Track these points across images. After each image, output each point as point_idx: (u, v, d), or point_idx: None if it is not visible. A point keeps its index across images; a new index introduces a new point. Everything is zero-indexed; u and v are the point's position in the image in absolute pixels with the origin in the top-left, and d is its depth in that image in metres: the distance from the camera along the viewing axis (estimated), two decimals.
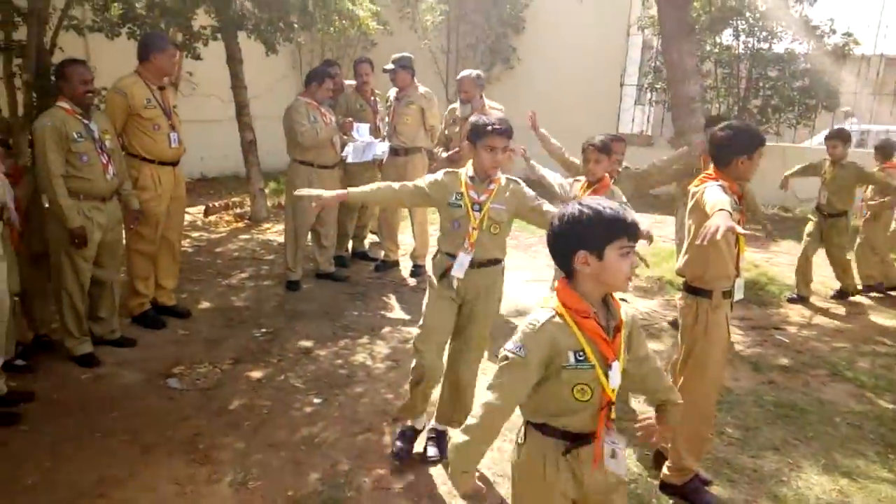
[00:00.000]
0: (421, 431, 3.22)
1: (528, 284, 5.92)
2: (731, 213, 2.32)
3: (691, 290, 2.82)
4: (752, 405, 3.79)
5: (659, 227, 8.38)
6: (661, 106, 11.49)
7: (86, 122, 3.81)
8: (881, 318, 5.54)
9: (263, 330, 4.61)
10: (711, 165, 2.84)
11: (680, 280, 2.95)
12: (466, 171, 2.90)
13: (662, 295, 5.83)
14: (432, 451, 3.14)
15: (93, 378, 3.79)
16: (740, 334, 4.97)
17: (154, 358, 4.07)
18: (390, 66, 5.68)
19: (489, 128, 2.78)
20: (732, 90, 10.38)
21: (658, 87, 10.96)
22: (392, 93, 5.83)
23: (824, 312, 5.63)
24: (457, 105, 5.49)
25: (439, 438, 3.17)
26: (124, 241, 4.36)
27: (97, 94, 4.55)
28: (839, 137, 5.80)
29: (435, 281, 2.95)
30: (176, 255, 4.75)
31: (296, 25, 6.45)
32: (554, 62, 11.44)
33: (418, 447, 3.19)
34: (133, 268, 4.47)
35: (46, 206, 3.94)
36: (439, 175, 2.94)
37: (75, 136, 3.73)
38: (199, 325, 4.64)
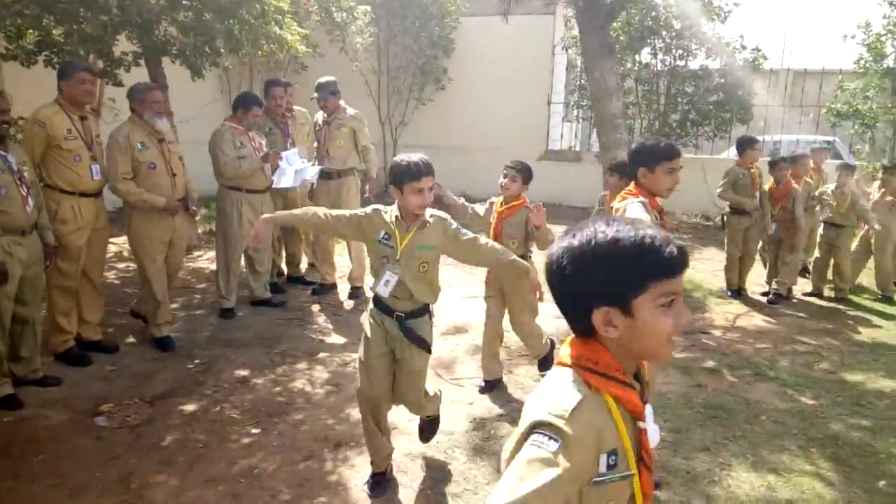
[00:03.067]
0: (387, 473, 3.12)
1: (466, 301, 5.99)
2: None
3: None
4: (683, 408, 3.94)
5: None
6: (587, 122, 11.88)
7: (2, 153, 3.66)
8: (801, 320, 5.87)
9: (197, 361, 4.49)
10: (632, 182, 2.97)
11: None
12: (392, 210, 2.85)
13: None
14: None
15: (15, 421, 3.60)
16: None
17: (80, 396, 3.90)
18: (315, 94, 5.69)
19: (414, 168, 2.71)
20: (653, 106, 10.84)
21: (584, 104, 11.35)
22: (319, 116, 5.82)
23: (746, 315, 5.92)
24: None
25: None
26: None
27: (14, 124, 4.38)
28: None
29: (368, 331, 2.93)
30: (99, 289, 4.57)
31: (222, 50, 6.37)
32: (483, 82, 11.69)
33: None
34: (54, 304, 4.28)
35: None
36: (369, 209, 2.89)
37: None
38: (128, 359, 4.47)
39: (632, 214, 2.64)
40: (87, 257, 4.35)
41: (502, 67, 11.52)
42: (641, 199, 2.78)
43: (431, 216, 2.84)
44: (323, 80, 5.69)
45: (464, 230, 2.90)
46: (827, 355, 4.92)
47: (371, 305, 2.95)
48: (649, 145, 2.93)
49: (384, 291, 2.81)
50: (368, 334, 2.92)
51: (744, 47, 10.65)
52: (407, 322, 2.86)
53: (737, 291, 6.46)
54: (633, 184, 2.93)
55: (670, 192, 2.90)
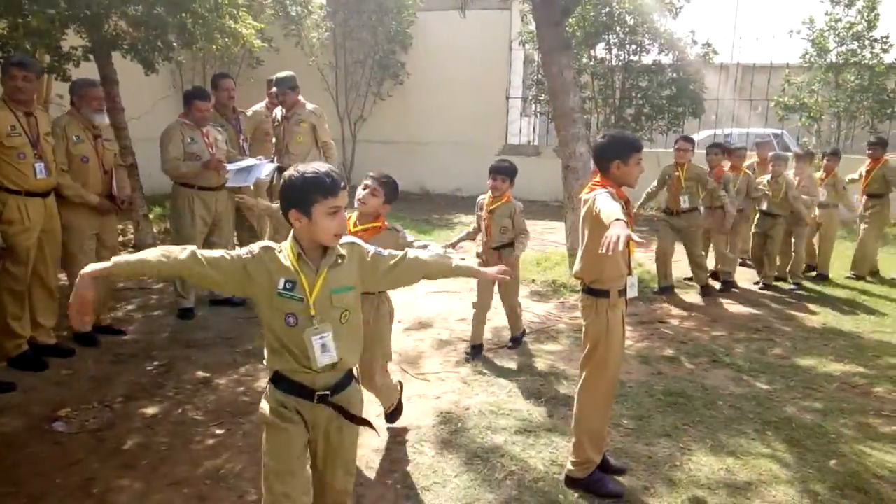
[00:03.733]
0: None
1: (430, 296, 6.00)
2: (626, 222, 2.46)
3: (590, 291, 2.97)
4: (644, 396, 4.04)
5: (550, 232, 8.73)
6: (545, 117, 12.01)
7: None
8: (753, 307, 6.06)
9: (156, 363, 4.40)
10: (598, 174, 3.03)
11: (573, 282, 3.10)
12: (289, 246, 2.10)
13: (557, 298, 6.07)
14: None
15: None
16: (629, 330, 5.26)
17: (36, 402, 3.78)
18: (274, 89, 5.61)
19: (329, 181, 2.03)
20: (608, 101, 11.02)
21: (541, 99, 11.47)
22: (277, 112, 5.75)
23: (700, 305, 6.09)
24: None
25: None
26: None
27: None
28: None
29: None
30: (52, 291, 4.43)
31: (175, 44, 6.23)
32: (442, 77, 11.71)
33: None
34: (5, 307, 4.13)
35: None
36: (255, 248, 2.12)
37: None
38: (85, 363, 4.35)
39: (603, 203, 2.69)
40: (39, 259, 4.22)
41: (460, 63, 11.56)
42: (609, 189, 2.83)
43: (342, 245, 2.15)
44: (282, 74, 5.61)
45: (384, 252, 2.26)
46: (779, 341, 5.10)
47: (271, 391, 2.16)
48: (622, 138, 2.99)
49: (325, 359, 2.07)
50: (277, 437, 2.12)
51: (695, 42, 10.91)
52: (333, 399, 2.15)
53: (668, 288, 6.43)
54: (598, 176, 2.98)
55: (637, 181, 2.99)
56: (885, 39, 10.55)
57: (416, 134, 11.98)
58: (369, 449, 3.34)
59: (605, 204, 2.68)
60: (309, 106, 5.68)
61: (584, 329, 3.04)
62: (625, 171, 2.92)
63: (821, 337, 5.24)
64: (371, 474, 3.14)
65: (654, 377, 4.34)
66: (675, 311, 5.86)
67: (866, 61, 10.54)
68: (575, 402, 3.07)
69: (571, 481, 3.05)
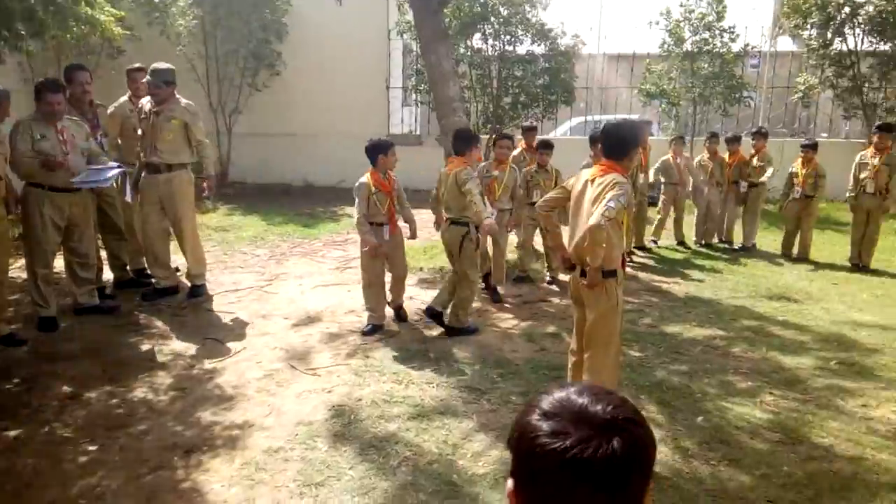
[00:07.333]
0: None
1: (316, 290, 5.91)
2: None
3: (600, 272, 3.12)
4: (529, 372, 4.19)
5: None
6: (426, 107, 12.07)
7: None
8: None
9: (16, 380, 4.04)
10: (603, 158, 3.14)
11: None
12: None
13: None
14: None
15: None
16: (515, 310, 5.45)
17: None
18: (148, 78, 5.26)
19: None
20: (486, 90, 11.24)
21: (421, 88, 11.51)
22: (145, 102, 5.38)
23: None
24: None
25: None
26: None
27: None
28: None
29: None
30: None
31: (23, 33, 5.69)
32: (321, 67, 11.48)
33: None
34: None
35: None
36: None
37: None
38: None
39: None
40: None
41: (338, 52, 11.39)
42: (624, 175, 3.16)
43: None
44: (161, 66, 5.24)
45: None
46: (648, 311, 5.46)
47: None
48: (641, 125, 3.35)
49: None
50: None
51: (564, 33, 11.35)
52: None
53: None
54: (606, 160, 3.13)
55: None
56: (731, 29, 11.45)
57: (296, 125, 11.69)
58: (259, 451, 3.25)
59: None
60: (183, 102, 5.37)
61: (587, 310, 3.23)
62: (636, 156, 3.15)
63: (684, 305, 5.67)
64: (263, 476, 3.06)
65: (538, 354, 4.52)
66: (557, 289, 6.11)
67: (717, 49, 11.40)
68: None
69: None
